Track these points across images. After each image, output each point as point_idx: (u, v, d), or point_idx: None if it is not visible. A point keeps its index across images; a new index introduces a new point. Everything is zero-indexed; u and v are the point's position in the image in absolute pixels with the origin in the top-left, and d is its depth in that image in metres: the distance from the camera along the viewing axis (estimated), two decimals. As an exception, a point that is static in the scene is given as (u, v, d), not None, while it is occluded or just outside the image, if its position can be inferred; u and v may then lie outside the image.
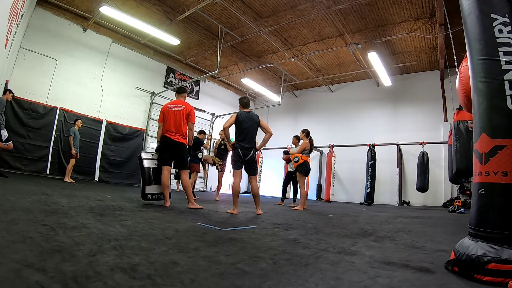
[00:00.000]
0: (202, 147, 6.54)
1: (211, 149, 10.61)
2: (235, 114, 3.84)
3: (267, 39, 9.08)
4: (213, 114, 12.40)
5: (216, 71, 8.98)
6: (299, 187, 5.65)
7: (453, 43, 5.74)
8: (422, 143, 8.85)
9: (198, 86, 12.32)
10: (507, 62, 1.33)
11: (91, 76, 8.88)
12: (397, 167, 9.70)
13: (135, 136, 9.77)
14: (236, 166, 3.76)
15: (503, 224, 1.24)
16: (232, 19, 8.40)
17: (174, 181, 7.21)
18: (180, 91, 4.12)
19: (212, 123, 12.49)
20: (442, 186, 9.14)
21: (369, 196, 9.52)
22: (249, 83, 11.46)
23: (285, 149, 7.59)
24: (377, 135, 10.66)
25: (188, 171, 4.74)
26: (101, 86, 9.07)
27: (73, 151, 6.89)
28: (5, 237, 1.33)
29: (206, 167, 7.51)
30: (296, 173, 5.76)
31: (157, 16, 8.31)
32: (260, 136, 3.87)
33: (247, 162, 3.79)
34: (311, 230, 2.56)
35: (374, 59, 8.58)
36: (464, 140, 4.65)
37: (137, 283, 0.93)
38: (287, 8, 7.71)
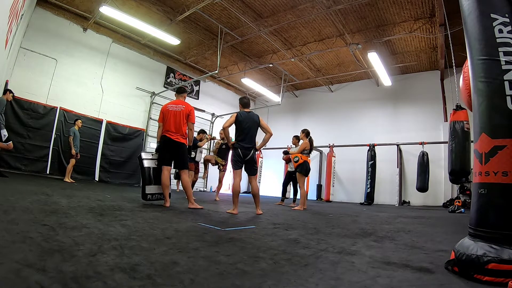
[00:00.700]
0: (197, 147, 6.53)
1: (211, 149, 10.61)
2: (235, 114, 3.84)
3: (267, 39, 9.08)
4: (213, 114, 12.40)
5: (216, 71, 8.98)
6: (299, 187, 5.65)
7: (452, 43, 5.74)
8: (422, 143, 8.85)
9: (198, 86, 12.32)
10: (507, 62, 1.33)
11: (91, 76, 8.88)
12: (397, 167, 9.70)
13: (135, 136, 9.77)
14: (236, 166, 3.76)
15: (503, 224, 1.24)
16: (232, 19, 8.40)
17: (174, 181, 7.22)
18: (180, 91, 4.12)
19: (212, 123, 12.49)
20: (442, 186, 9.15)
21: (369, 196, 9.52)
22: (249, 83, 11.46)
23: (285, 149, 7.58)
24: (377, 135, 10.65)
25: (187, 171, 4.73)
26: (101, 86, 9.07)
27: (73, 151, 6.88)
28: (5, 237, 1.33)
29: (207, 167, 7.50)
30: (296, 173, 5.76)
31: (157, 16, 8.31)
32: (260, 136, 3.87)
33: (247, 162, 3.79)
34: (311, 230, 2.56)
35: (374, 59, 8.58)
36: (460, 140, 4.66)
37: (137, 283, 0.93)
38: (287, 8, 7.71)
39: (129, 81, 9.86)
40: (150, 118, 10.26)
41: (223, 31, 8.61)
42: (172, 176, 4.29)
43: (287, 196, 7.07)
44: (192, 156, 6.41)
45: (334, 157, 10.73)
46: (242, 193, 9.09)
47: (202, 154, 7.31)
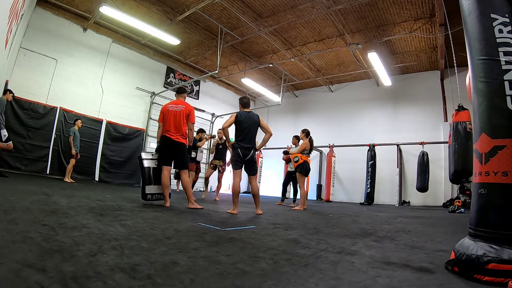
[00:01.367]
0: (197, 147, 6.53)
1: (208, 148, 10.59)
2: (235, 114, 3.83)
3: (267, 39, 9.08)
4: (213, 114, 12.40)
5: (216, 71, 8.98)
6: (299, 187, 5.65)
7: (453, 43, 5.73)
8: (422, 143, 8.85)
9: (198, 86, 12.32)
10: (507, 62, 1.33)
11: (91, 76, 8.88)
12: (397, 167, 9.70)
13: (135, 136, 9.78)
14: (236, 166, 3.75)
15: (503, 224, 1.24)
16: (232, 19, 8.40)
17: (174, 181, 7.21)
18: (180, 91, 4.12)
19: (212, 123, 12.49)
20: (442, 186, 9.14)
21: (369, 196, 9.52)
22: (249, 83, 11.46)
23: (285, 149, 7.59)
24: (377, 135, 10.65)
25: (188, 171, 4.73)
26: (101, 86, 9.07)
27: (73, 151, 6.88)
28: (5, 237, 1.33)
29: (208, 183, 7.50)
30: (296, 173, 5.76)
31: (157, 16, 8.31)
32: (260, 136, 3.87)
33: (247, 162, 3.78)
34: (311, 230, 2.56)
35: (374, 59, 8.58)
36: (462, 141, 4.66)
37: (137, 283, 0.93)
38: (287, 8, 7.71)
39: (129, 81, 9.86)
40: (150, 118, 10.26)
41: (223, 31, 8.61)
42: (172, 176, 4.29)
43: (287, 196, 7.07)
44: (193, 156, 6.41)
45: (334, 157, 10.73)
46: (242, 193, 9.09)
47: (202, 154, 7.30)
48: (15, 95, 5.82)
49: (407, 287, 1.12)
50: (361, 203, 9.53)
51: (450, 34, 5.62)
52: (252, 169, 3.86)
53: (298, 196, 6.12)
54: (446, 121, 9.56)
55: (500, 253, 1.17)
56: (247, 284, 1.03)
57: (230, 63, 11.46)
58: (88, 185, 6.76)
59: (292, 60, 10.00)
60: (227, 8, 7.71)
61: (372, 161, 9.75)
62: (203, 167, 9.88)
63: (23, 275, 0.89)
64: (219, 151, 6.62)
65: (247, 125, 3.79)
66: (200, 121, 10.60)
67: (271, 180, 13.16)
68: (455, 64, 5.84)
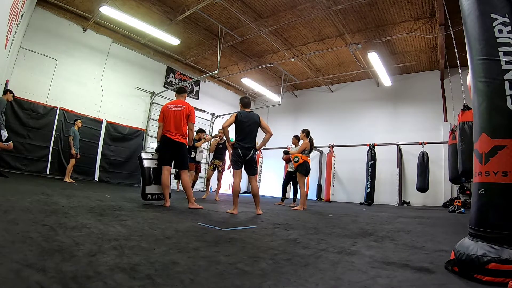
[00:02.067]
0: (195, 147, 6.52)
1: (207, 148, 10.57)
2: (235, 114, 3.83)
3: (267, 39, 9.08)
4: (213, 114, 12.40)
5: (216, 71, 8.98)
6: (299, 187, 5.65)
7: (453, 43, 5.73)
8: (422, 143, 8.85)
9: (198, 86, 12.32)
10: (507, 62, 1.33)
11: (91, 76, 8.88)
12: (397, 167, 9.70)
13: (135, 136, 9.78)
14: (236, 166, 3.75)
15: (503, 224, 1.24)
16: (232, 19, 8.40)
17: (174, 181, 7.21)
18: (180, 91, 4.12)
19: (212, 123, 12.49)
20: (442, 186, 9.14)
21: (369, 196, 9.51)
22: (249, 83, 11.46)
23: (285, 149, 7.59)
24: (377, 135, 10.65)
25: (188, 171, 4.72)
26: (101, 86, 9.07)
27: (73, 151, 6.89)
28: (5, 237, 1.33)
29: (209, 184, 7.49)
30: (296, 173, 5.76)
31: (157, 16, 8.31)
32: (260, 136, 3.87)
33: (247, 162, 3.78)
34: (311, 230, 2.56)
35: (374, 59, 8.58)
36: (469, 140, 4.66)
37: (137, 283, 0.93)
38: (287, 8, 7.71)
39: (129, 81, 9.86)
40: (150, 118, 10.26)
41: (223, 31, 8.61)
42: (172, 176, 4.29)
43: (287, 196, 7.07)
44: (192, 156, 6.41)
45: (334, 157, 10.73)
46: (242, 193, 9.09)
47: (202, 154, 7.30)
48: (15, 95, 5.82)
49: (407, 287, 1.11)
50: (361, 203, 9.53)
51: (450, 34, 5.62)
52: (252, 169, 3.85)
53: (298, 196, 6.12)
54: (446, 121, 9.57)
55: (500, 253, 1.17)
56: (247, 284, 1.03)
57: (230, 63, 11.46)
58: (88, 185, 6.76)
59: (292, 60, 10.00)
60: (227, 8, 7.71)
61: (372, 161, 9.75)
62: (203, 167, 9.88)
63: (23, 275, 0.89)
64: (218, 151, 6.62)
65: (248, 125, 3.78)
66: (200, 121, 10.60)
67: (271, 180, 13.16)
68: (458, 64, 5.83)
